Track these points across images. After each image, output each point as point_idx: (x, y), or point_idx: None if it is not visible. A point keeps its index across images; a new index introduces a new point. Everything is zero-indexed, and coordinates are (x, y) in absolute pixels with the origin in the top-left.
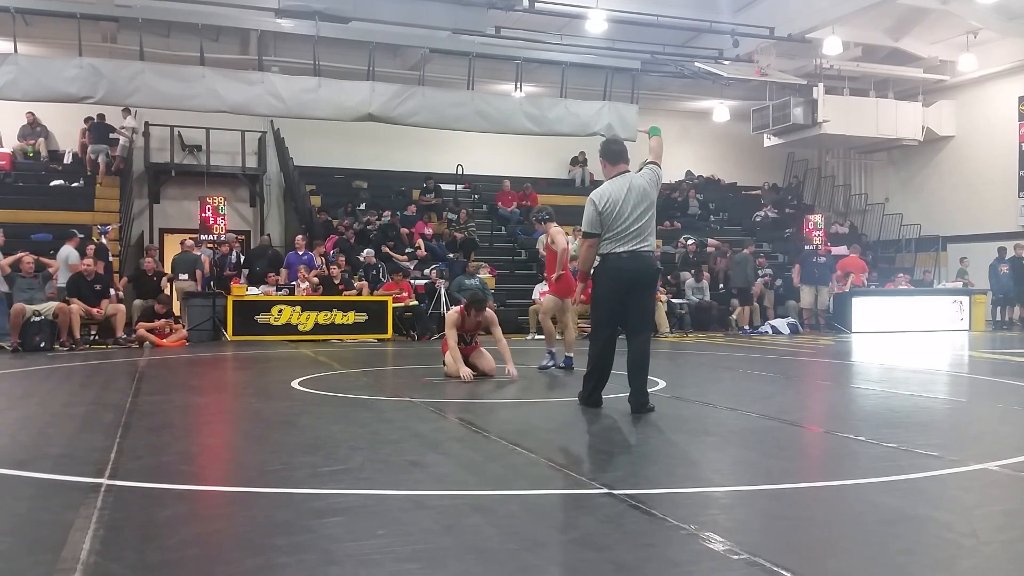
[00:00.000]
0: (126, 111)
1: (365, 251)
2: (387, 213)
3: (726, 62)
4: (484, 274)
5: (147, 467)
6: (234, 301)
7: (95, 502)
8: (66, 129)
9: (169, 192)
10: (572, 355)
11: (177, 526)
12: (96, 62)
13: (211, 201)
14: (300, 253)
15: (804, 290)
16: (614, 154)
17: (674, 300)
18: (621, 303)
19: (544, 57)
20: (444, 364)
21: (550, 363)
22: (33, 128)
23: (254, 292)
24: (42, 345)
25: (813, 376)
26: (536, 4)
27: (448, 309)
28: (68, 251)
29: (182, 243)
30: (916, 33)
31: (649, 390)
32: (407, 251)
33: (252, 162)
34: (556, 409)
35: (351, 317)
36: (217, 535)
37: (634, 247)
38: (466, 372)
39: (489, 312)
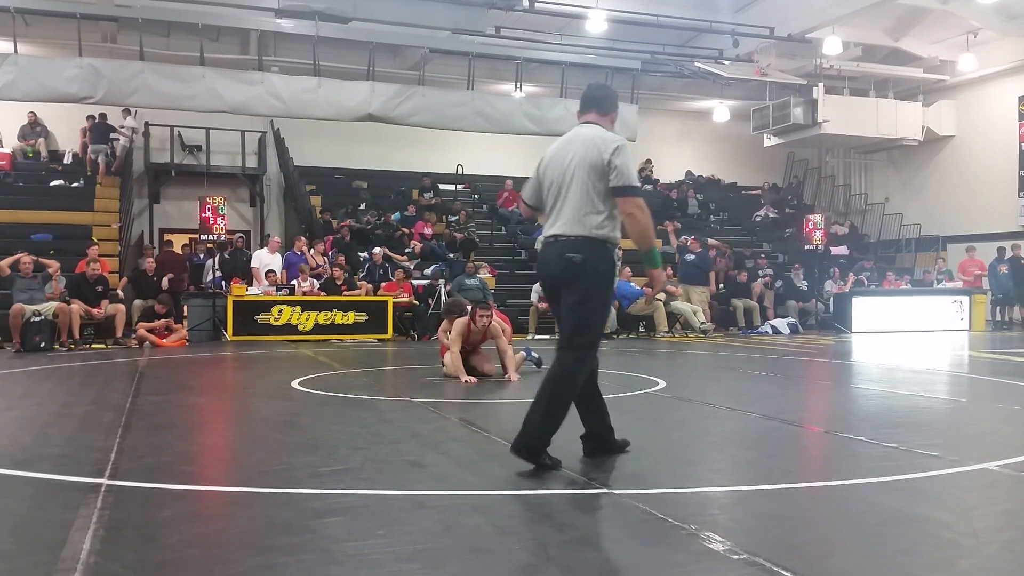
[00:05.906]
0: (126, 111)
1: (375, 249)
2: (395, 214)
3: (726, 62)
4: (484, 274)
5: (147, 467)
6: (234, 301)
7: (95, 502)
8: (66, 129)
9: (169, 192)
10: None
11: (177, 526)
12: (96, 62)
13: (211, 201)
14: (299, 253)
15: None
16: (584, 100)
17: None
18: (554, 306)
19: (544, 57)
20: (443, 364)
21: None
22: (33, 128)
23: (254, 292)
24: (42, 345)
25: (813, 376)
26: (536, 4)
27: None
28: (265, 255)
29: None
30: (916, 33)
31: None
32: (406, 251)
33: (252, 162)
34: None
35: (351, 317)
36: (217, 535)
37: (552, 230)
38: (469, 379)
39: (494, 325)
